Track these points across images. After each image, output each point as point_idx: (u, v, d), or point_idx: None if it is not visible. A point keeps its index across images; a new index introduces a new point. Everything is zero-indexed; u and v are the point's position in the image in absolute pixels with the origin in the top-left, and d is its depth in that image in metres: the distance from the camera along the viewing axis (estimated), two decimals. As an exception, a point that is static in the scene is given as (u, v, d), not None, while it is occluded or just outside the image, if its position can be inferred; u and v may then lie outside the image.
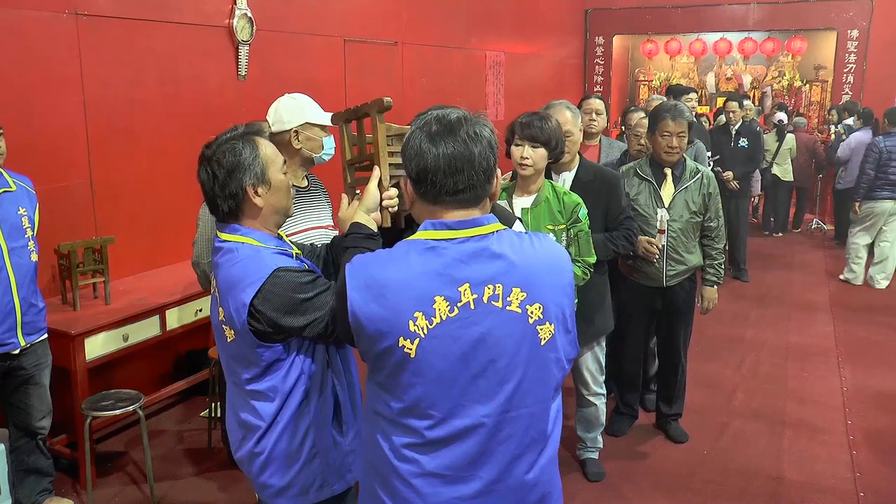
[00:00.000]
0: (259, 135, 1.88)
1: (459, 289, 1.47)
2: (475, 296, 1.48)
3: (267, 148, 1.86)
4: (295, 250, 1.92)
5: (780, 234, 9.33)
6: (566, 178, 3.27)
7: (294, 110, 2.69)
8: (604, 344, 3.48)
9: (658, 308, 3.79)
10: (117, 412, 3.28)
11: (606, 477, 3.60)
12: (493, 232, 1.53)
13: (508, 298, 1.50)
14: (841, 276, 7.24)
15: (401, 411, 1.52)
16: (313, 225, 2.78)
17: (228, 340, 1.83)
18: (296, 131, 2.69)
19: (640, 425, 4.12)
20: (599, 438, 3.64)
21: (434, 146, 1.49)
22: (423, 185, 1.52)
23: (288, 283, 1.74)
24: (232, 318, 1.77)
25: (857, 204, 6.93)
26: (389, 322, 1.46)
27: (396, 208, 1.96)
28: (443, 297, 1.47)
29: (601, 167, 3.50)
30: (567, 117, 3.25)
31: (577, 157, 3.34)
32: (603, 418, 3.59)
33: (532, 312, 1.52)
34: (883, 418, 4.27)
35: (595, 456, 3.65)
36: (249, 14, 4.77)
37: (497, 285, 1.49)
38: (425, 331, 1.46)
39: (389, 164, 1.93)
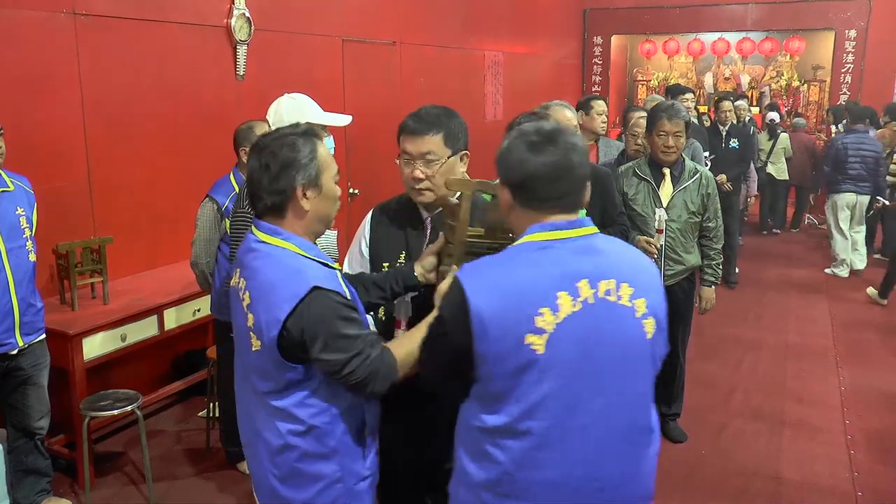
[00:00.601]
0: (319, 137, 1.80)
1: (578, 284, 1.52)
2: (593, 291, 1.52)
3: (325, 152, 1.79)
4: (337, 265, 1.83)
5: (778, 233, 9.36)
6: None
7: (294, 110, 2.72)
8: None
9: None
10: (115, 412, 3.28)
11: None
12: (594, 233, 1.61)
13: (619, 293, 1.55)
14: (826, 270, 7.52)
15: (521, 416, 1.50)
16: None
17: (253, 349, 1.73)
18: None
19: (638, 425, 4.11)
20: None
21: (536, 155, 1.55)
22: (525, 192, 1.57)
23: (325, 309, 1.66)
24: (261, 329, 1.68)
25: (819, 195, 7.45)
26: (516, 319, 1.47)
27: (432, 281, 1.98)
28: (566, 293, 1.50)
29: (593, 164, 3.50)
30: (568, 116, 3.27)
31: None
32: None
33: (638, 307, 1.57)
34: (881, 418, 4.28)
35: None
36: (248, 14, 4.77)
37: (610, 280, 1.55)
38: (553, 326, 1.48)
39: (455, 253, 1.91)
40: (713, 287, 3.82)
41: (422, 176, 2.02)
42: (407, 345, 1.79)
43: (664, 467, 3.73)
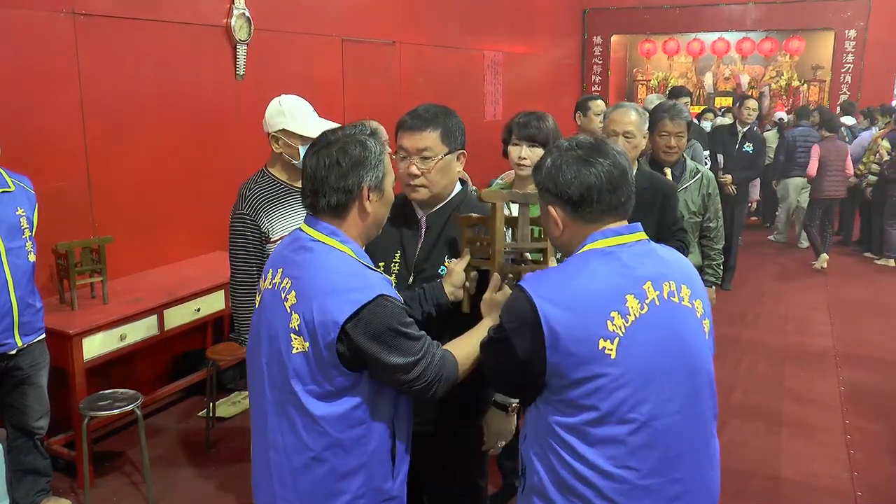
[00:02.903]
0: (385, 139, 1.79)
1: (644, 287, 1.53)
2: (657, 293, 1.54)
3: (388, 157, 1.77)
4: (393, 278, 1.82)
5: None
6: None
7: (276, 116, 2.70)
8: None
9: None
10: (115, 412, 3.28)
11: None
12: (647, 238, 1.63)
13: (681, 294, 1.58)
14: (770, 237, 8.84)
15: (599, 420, 1.49)
16: None
17: (294, 352, 1.65)
18: (275, 136, 2.70)
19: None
20: None
21: (591, 166, 1.56)
22: (585, 206, 1.57)
23: (389, 315, 1.61)
24: (314, 331, 1.60)
25: (775, 182, 8.50)
26: (587, 325, 1.47)
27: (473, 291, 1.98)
28: (633, 296, 1.51)
29: (657, 175, 3.34)
30: (632, 119, 3.17)
31: (636, 162, 3.20)
32: None
33: (697, 307, 1.61)
34: (880, 418, 4.28)
35: None
36: (247, 13, 4.77)
37: (671, 282, 1.57)
38: (623, 329, 1.48)
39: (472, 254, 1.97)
40: (713, 287, 3.81)
41: (417, 172, 2.02)
42: (465, 347, 1.78)
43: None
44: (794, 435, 4.07)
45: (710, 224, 3.69)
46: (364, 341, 1.59)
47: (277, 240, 2.57)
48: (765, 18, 10.64)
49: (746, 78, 12.31)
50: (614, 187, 1.56)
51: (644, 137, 3.19)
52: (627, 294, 1.50)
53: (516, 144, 2.83)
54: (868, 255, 8.08)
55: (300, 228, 1.76)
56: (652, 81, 12.68)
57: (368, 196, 1.70)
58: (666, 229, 3.16)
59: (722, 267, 3.83)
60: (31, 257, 3.04)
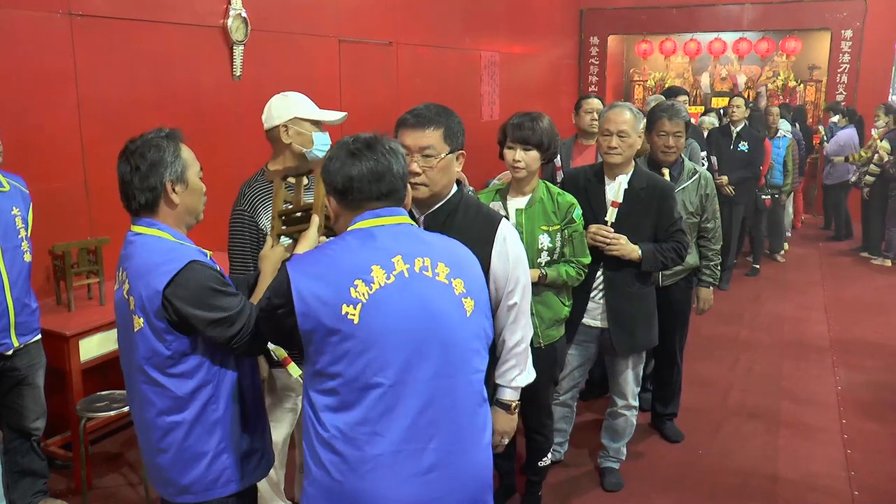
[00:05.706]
0: (181, 139, 1.98)
1: (393, 259, 1.65)
2: (408, 266, 1.66)
3: (187, 152, 1.98)
4: (209, 252, 1.99)
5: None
6: (622, 181, 3.09)
7: (283, 107, 2.70)
8: (644, 357, 3.40)
9: (654, 308, 3.78)
10: (112, 413, 3.27)
11: (602, 476, 3.59)
12: (409, 222, 1.76)
13: (436, 270, 1.69)
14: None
15: (346, 385, 1.59)
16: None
17: (136, 329, 1.85)
18: (285, 126, 2.67)
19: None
20: (623, 450, 3.58)
21: (356, 160, 1.70)
22: (349, 194, 1.71)
23: (202, 277, 1.81)
24: (144, 306, 1.81)
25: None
26: (332, 291, 1.59)
27: None
28: (378, 266, 1.63)
29: (655, 176, 3.30)
30: (626, 118, 3.09)
31: (633, 163, 3.18)
32: (631, 430, 3.52)
33: (456, 286, 1.72)
34: (877, 417, 4.29)
35: (616, 466, 3.58)
36: (244, 14, 4.76)
37: (425, 258, 1.69)
38: (366, 296, 1.60)
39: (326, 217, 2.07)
40: (710, 288, 3.82)
41: (419, 170, 2.03)
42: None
43: (661, 466, 3.75)
44: (792, 434, 4.08)
45: (708, 225, 3.69)
46: (183, 304, 1.78)
47: None
48: (761, 19, 10.65)
49: (743, 78, 12.31)
50: (376, 179, 1.70)
51: (639, 137, 3.16)
52: (374, 265, 1.63)
53: (511, 147, 2.82)
54: (864, 255, 8.10)
55: (130, 229, 1.95)
56: (649, 82, 12.67)
57: (173, 189, 1.91)
58: (664, 230, 3.15)
59: (720, 267, 3.83)
60: (27, 257, 3.04)
